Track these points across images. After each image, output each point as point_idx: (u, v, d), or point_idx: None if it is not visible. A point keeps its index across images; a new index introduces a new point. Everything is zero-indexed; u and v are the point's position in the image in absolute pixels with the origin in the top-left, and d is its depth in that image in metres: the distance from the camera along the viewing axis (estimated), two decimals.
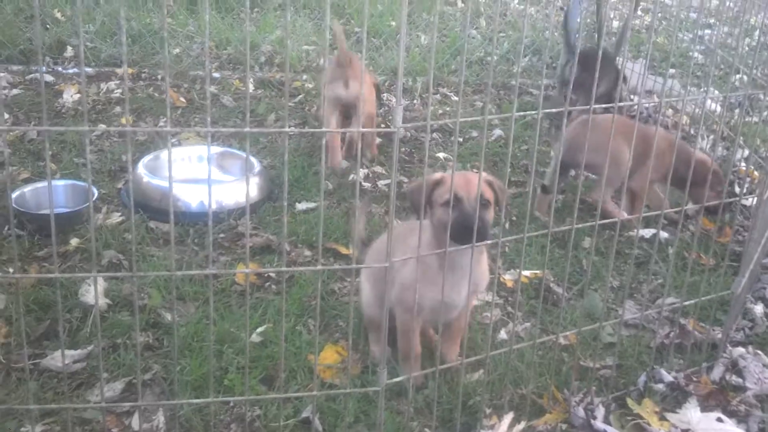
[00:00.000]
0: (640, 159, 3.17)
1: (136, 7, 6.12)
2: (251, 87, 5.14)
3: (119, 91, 4.95)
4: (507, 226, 3.55)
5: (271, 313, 2.78)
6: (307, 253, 3.24)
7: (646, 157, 3.14)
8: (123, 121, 4.52)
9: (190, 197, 3.46)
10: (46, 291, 2.82)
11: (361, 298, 2.64)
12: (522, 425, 2.30)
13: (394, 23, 6.40)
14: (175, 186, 3.51)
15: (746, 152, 4.39)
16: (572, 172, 3.86)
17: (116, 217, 3.42)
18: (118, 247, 3.18)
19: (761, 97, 5.04)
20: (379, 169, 4.13)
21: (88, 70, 5.20)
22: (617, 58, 4.34)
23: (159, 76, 5.26)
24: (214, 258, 3.12)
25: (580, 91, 4.53)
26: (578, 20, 5.32)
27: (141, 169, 3.62)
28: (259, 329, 2.69)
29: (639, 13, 7.85)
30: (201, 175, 3.76)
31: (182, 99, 4.92)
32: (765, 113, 5.15)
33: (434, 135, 4.66)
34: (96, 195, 3.52)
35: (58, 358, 2.45)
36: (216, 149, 3.96)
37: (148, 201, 3.46)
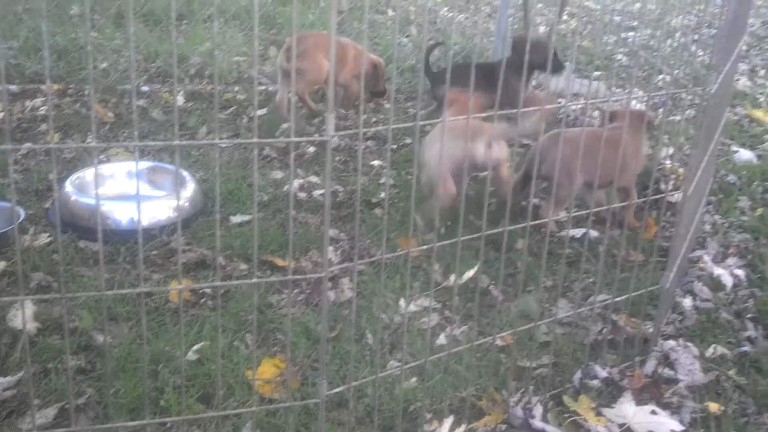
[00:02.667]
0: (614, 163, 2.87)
1: (61, 22, 5.98)
2: (181, 100, 5.07)
3: (45, 108, 4.83)
4: (442, 230, 3.58)
5: (207, 330, 2.74)
6: (243, 266, 3.21)
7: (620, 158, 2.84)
8: (49, 138, 4.41)
9: (120, 214, 3.38)
10: None
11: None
12: (462, 428, 2.32)
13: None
14: (104, 203, 3.45)
15: (671, 150, 4.52)
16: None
17: (44, 238, 3.32)
18: (47, 268, 3.10)
19: (683, 96, 5.21)
20: (314, 178, 4.12)
21: (12, 87, 5.06)
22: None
23: (86, 92, 5.15)
24: (146, 276, 3.07)
25: None
26: (505, 27, 5.41)
27: (68, 187, 3.53)
28: (195, 347, 2.65)
29: (564, 17, 8.03)
30: (130, 191, 3.69)
31: (110, 114, 4.82)
32: (687, 112, 5.32)
33: (368, 143, 4.68)
34: (22, 216, 3.42)
35: None
36: (145, 164, 3.89)
37: (77, 220, 3.38)
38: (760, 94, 6.37)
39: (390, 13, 7.38)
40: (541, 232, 3.59)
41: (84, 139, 4.45)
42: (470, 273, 3.16)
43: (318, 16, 6.77)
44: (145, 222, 3.35)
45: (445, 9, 7.68)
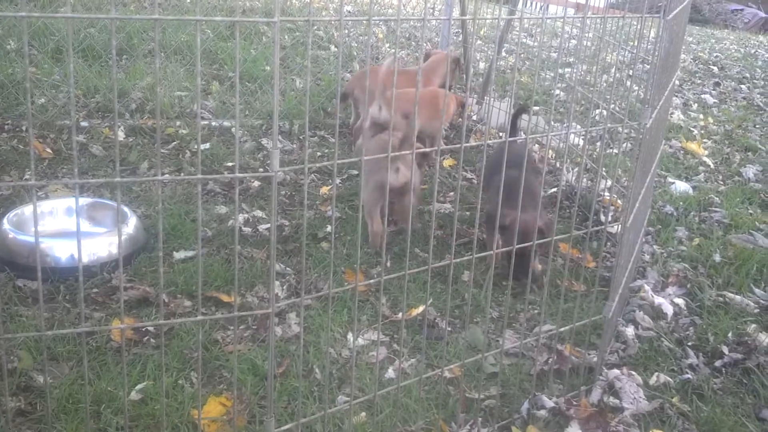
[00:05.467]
0: None
1: None
2: (122, 135, 5.01)
3: None
4: (388, 264, 3.59)
5: (151, 369, 2.68)
6: (188, 303, 3.15)
7: None
8: None
9: (60, 252, 3.31)
10: None
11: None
12: None
13: (268, 68, 6.41)
14: (43, 241, 3.36)
15: (609, 182, 4.63)
16: None
17: None
18: None
19: (620, 130, 5.35)
20: (258, 213, 4.09)
21: None
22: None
23: (23, 127, 5.04)
24: (87, 314, 2.99)
25: None
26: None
27: (6, 224, 3.43)
28: (139, 386, 2.58)
29: (503, 54, 8.22)
30: (70, 228, 3.61)
31: (48, 150, 4.72)
32: (624, 145, 5.47)
33: (314, 176, 4.67)
34: None
35: None
36: (85, 200, 3.82)
37: (15, 258, 3.28)
38: (694, 127, 6.60)
39: (333, 49, 7.44)
40: (486, 264, 3.62)
41: (22, 176, 4.35)
42: (419, 309, 3.16)
43: (261, 52, 6.78)
44: (86, 259, 3.28)
45: (387, 45, 7.79)
